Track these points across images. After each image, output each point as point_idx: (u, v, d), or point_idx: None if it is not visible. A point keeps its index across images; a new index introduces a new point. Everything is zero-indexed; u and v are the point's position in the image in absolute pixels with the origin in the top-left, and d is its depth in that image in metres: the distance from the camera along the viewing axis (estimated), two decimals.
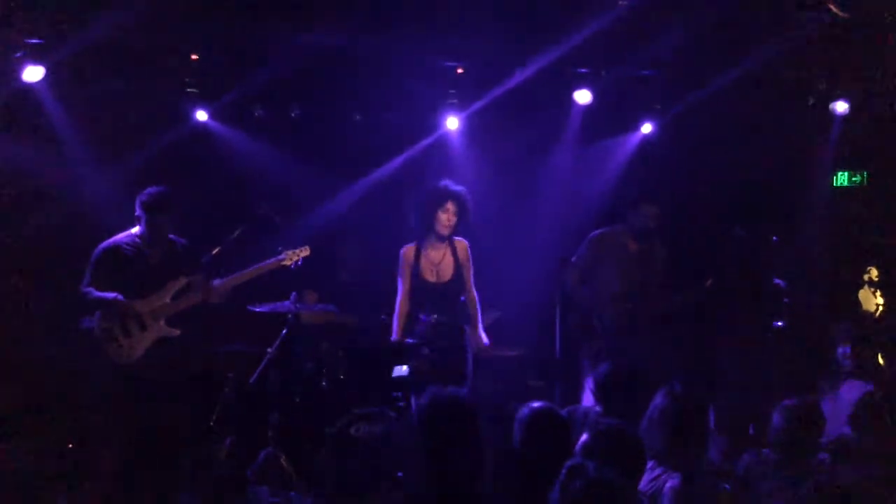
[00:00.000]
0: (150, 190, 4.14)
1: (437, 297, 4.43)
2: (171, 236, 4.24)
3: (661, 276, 4.84)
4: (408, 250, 4.53)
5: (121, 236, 4.18)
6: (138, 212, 4.13)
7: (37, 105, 4.79)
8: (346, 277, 5.27)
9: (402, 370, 4.50)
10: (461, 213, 4.44)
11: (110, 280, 4.08)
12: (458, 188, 4.46)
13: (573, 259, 4.81)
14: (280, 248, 4.39)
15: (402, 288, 4.52)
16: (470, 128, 5.53)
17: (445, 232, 4.45)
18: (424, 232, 4.48)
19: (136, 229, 4.18)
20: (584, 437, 2.67)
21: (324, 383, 4.71)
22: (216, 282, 4.24)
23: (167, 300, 4.14)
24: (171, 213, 4.15)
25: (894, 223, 5.46)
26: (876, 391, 3.74)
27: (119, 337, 4.05)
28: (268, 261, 4.36)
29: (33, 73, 4.59)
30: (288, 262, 4.37)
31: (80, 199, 4.95)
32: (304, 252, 4.42)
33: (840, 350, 4.48)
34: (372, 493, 4.18)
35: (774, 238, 4.88)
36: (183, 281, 4.18)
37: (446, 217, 4.39)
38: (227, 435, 4.55)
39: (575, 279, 4.77)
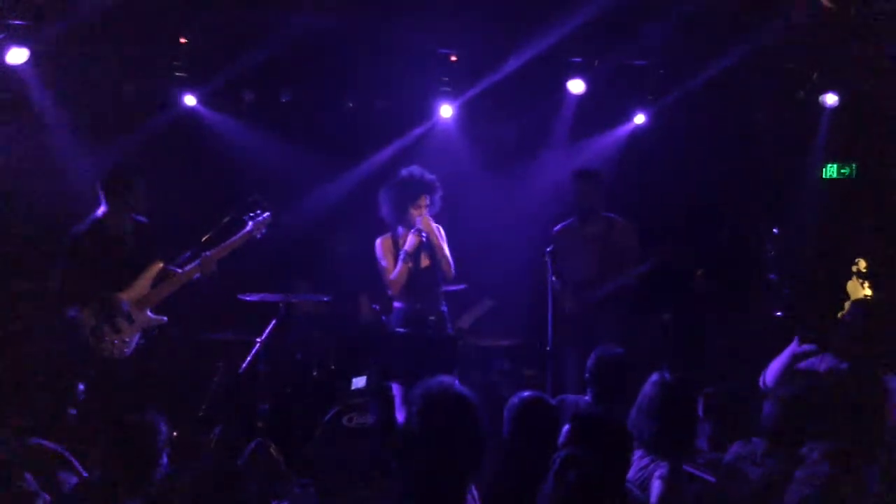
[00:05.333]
0: (110, 168, 4.03)
1: (419, 284, 4.34)
2: (135, 216, 4.06)
3: (629, 257, 4.74)
4: (385, 241, 4.41)
5: (88, 222, 4.01)
6: (102, 192, 3.97)
7: (21, 89, 4.69)
8: (337, 265, 5.24)
9: (361, 381, 4.49)
10: (433, 202, 4.37)
11: (87, 270, 3.92)
12: (431, 179, 4.35)
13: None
14: (244, 218, 4.23)
15: (388, 269, 4.34)
16: (463, 116, 5.50)
17: (416, 223, 4.34)
18: (396, 223, 4.40)
19: (100, 211, 4.01)
20: (566, 426, 2.65)
21: (315, 373, 4.69)
22: (179, 270, 4.11)
23: (149, 288, 4.03)
24: (138, 185, 4.00)
25: (883, 215, 5.50)
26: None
27: (109, 334, 3.91)
28: (236, 236, 4.20)
29: (17, 56, 4.50)
30: (256, 233, 4.24)
31: (65, 185, 4.87)
32: (268, 218, 4.28)
33: None
34: (364, 484, 4.18)
35: (774, 230, 4.85)
36: (159, 266, 4.06)
37: (419, 211, 4.32)
38: (217, 424, 4.53)
39: (553, 272, 4.81)
